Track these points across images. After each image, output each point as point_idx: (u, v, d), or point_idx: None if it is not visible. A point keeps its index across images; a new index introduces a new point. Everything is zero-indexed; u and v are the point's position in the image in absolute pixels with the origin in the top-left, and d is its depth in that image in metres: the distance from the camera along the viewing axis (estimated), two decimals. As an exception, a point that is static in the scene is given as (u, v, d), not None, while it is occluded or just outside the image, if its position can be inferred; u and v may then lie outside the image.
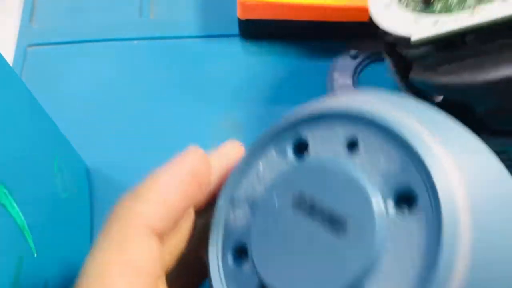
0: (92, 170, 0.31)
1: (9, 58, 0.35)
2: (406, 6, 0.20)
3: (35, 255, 0.21)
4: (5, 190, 0.18)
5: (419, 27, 0.19)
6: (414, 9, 0.20)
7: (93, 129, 0.33)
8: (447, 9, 0.19)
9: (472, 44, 0.18)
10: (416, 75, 0.20)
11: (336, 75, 0.33)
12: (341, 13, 0.32)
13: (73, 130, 0.32)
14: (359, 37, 0.33)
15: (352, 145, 0.15)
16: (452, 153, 0.14)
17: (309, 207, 0.15)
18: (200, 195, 0.18)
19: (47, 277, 0.22)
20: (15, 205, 0.19)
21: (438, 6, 0.19)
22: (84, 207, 0.29)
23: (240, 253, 0.17)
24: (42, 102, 0.34)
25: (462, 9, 0.18)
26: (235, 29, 0.35)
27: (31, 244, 0.20)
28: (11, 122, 0.20)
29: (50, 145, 0.25)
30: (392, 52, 0.21)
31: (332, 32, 0.34)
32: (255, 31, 0.35)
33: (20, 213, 0.19)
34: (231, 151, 0.19)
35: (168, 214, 0.17)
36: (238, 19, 0.34)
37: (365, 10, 0.32)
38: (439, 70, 0.19)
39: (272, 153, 0.17)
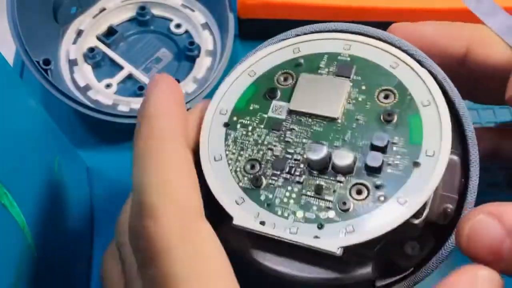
0: (92, 170, 0.31)
1: (9, 58, 0.35)
2: (239, 182, 0.19)
3: (35, 255, 0.21)
4: (5, 190, 0.18)
5: (243, 211, 0.18)
6: (245, 188, 0.19)
7: (93, 129, 0.33)
8: (269, 204, 0.18)
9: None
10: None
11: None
12: (341, 12, 0.33)
13: (73, 130, 0.33)
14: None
15: None
16: None
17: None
18: None
19: (47, 277, 0.22)
20: (15, 204, 0.19)
21: (263, 194, 0.19)
22: (84, 207, 0.29)
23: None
24: (42, 102, 0.34)
25: (283, 213, 0.18)
26: (235, 29, 0.35)
27: (32, 244, 0.20)
28: (11, 122, 0.20)
29: (50, 145, 0.25)
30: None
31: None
32: (255, 31, 0.35)
33: (21, 213, 0.19)
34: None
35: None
36: (238, 19, 0.34)
37: (365, 10, 0.33)
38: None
39: None
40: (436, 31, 0.21)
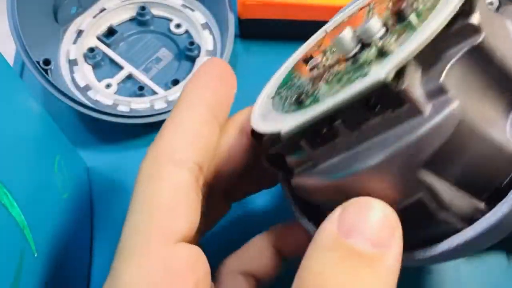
0: (92, 170, 0.31)
1: (9, 58, 0.35)
2: (282, 111, 0.19)
3: (35, 255, 0.21)
4: (5, 190, 0.18)
5: (289, 121, 0.17)
6: (288, 111, 0.18)
7: (93, 129, 0.33)
8: (316, 100, 0.17)
9: (343, 133, 0.16)
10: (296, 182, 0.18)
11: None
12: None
13: (73, 130, 0.33)
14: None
15: None
16: None
17: None
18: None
19: (47, 277, 0.22)
20: (15, 205, 0.19)
21: (308, 101, 0.18)
22: (84, 207, 0.29)
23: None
24: (42, 102, 0.34)
25: (328, 96, 0.17)
26: (235, 29, 0.35)
27: (32, 244, 0.20)
28: (11, 122, 0.20)
29: (50, 145, 0.25)
30: (280, 166, 0.20)
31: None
32: (255, 31, 0.35)
33: (21, 213, 0.19)
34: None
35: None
36: (238, 19, 0.34)
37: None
38: (314, 171, 0.17)
39: None
40: None
